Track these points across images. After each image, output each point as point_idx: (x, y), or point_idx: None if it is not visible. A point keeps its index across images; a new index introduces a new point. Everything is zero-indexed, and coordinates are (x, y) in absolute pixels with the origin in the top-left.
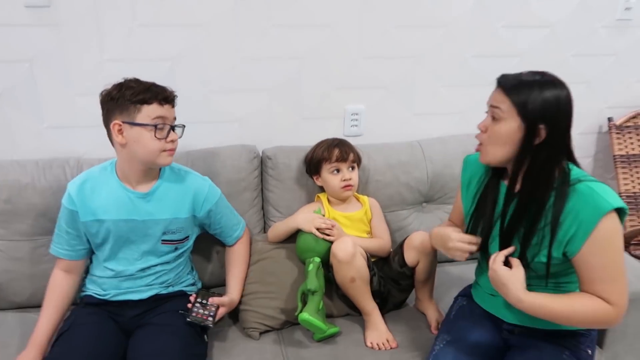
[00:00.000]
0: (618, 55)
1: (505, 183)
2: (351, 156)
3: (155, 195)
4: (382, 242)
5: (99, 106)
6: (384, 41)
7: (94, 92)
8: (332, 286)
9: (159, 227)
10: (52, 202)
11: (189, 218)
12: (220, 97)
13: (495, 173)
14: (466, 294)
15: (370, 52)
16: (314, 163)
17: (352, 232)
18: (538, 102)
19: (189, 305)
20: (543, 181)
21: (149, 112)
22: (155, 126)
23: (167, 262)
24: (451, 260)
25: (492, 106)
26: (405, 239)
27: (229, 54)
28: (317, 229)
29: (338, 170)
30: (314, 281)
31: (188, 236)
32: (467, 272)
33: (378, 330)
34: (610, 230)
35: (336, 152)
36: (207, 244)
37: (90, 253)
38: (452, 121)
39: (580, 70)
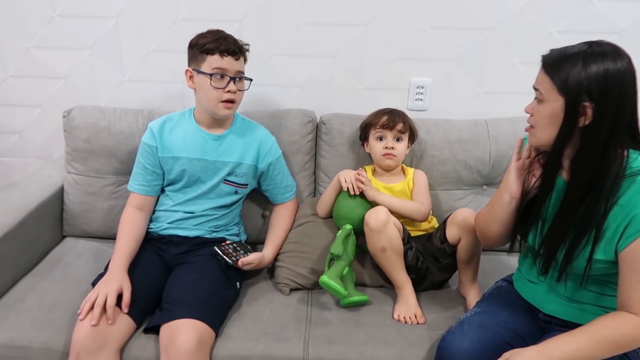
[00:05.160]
0: None
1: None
2: (399, 126)
3: (226, 139)
4: (417, 204)
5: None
6: (456, 9)
7: (168, 49)
8: (366, 255)
9: (226, 169)
10: (122, 146)
11: (251, 166)
12: (283, 60)
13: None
14: (507, 278)
15: (439, 21)
16: (362, 127)
17: None
18: (581, 77)
19: (223, 244)
20: (594, 168)
21: (211, 62)
22: (212, 75)
23: (223, 206)
24: (497, 250)
25: (534, 88)
26: (449, 215)
27: (294, 16)
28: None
29: (382, 138)
30: (338, 246)
31: (248, 184)
32: (513, 262)
33: (407, 304)
34: None
35: (384, 118)
36: (258, 202)
37: (161, 191)
38: (527, 102)
39: None
